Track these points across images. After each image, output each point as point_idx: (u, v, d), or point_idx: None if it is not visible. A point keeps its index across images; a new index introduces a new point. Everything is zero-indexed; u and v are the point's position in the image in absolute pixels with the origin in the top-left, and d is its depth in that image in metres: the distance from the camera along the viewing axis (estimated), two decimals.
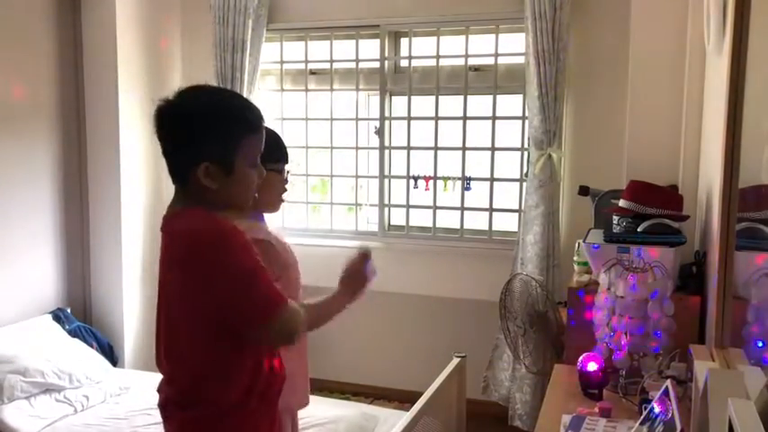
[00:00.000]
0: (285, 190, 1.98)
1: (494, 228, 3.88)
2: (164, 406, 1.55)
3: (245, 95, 3.96)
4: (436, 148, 3.92)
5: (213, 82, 3.95)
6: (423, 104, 3.99)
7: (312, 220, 4.28)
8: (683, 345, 2.08)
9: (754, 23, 1.79)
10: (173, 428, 1.54)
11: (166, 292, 1.51)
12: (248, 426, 1.52)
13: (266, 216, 2.01)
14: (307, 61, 4.16)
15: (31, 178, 3.65)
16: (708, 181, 2.55)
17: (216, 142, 1.44)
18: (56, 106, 3.78)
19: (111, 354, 3.76)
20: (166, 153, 1.49)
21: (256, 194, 1.56)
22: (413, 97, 3.95)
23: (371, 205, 4.16)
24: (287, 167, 1.98)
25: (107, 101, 3.81)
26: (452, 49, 3.89)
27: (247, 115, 1.50)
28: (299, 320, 1.46)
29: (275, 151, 1.90)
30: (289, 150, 1.99)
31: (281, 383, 1.60)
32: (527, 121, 3.60)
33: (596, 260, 2.51)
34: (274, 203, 1.98)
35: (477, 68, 3.86)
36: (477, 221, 3.95)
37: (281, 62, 4.20)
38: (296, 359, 1.86)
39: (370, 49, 4.05)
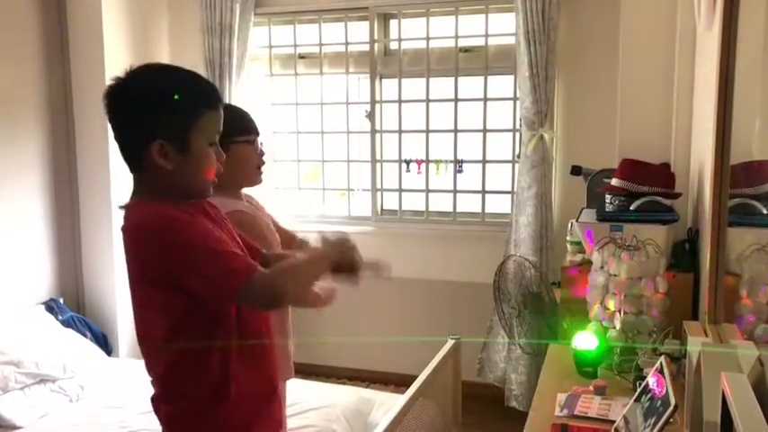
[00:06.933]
0: (262, 162, 2.00)
1: (486, 210, 3.87)
2: (151, 399, 1.53)
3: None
4: (428, 131, 3.91)
5: (201, 67, 3.91)
6: (413, 87, 3.97)
7: (304, 205, 4.26)
8: (676, 322, 2.09)
9: (744, 0, 1.78)
10: (161, 422, 1.52)
11: (131, 287, 1.47)
12: (233, 417, 1.46)
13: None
14: (295, 45, 4.12)
15: (19, 168, 3.61)
16: (699, 158, 2.54)
17: (169, 118, 1.38)
18: (42, 94, 3.73)
19: (105, 343, 3.75)
20: (120, 135, 1.42)
21: (224, 173, 1.50)
22: (403, 80, 3.92)
23: (364, 190, 4.15)
24: (259, 140, 2.00)
25: (94, 89, 3.76)
26: (442, 30, 3.86)
27: (202, 90, 1.44)
28: (271, 280, 1.33)
29: (242, 125, 1.93)
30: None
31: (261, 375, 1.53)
32: (518, 102, 3.58)
33: (589, 239, 2.52)
34: (251, 176, 1.99)
35: (467, 50, 3.83)
36: (469, 204, 3.94)
37: (270, 46, 4.16)
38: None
39: (359, 31, 4.01)
